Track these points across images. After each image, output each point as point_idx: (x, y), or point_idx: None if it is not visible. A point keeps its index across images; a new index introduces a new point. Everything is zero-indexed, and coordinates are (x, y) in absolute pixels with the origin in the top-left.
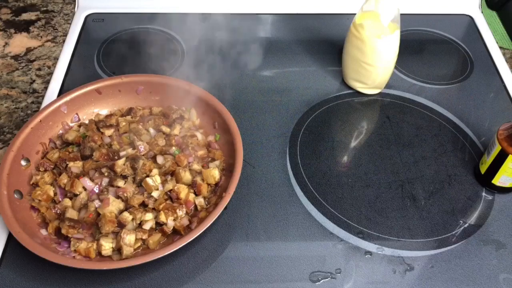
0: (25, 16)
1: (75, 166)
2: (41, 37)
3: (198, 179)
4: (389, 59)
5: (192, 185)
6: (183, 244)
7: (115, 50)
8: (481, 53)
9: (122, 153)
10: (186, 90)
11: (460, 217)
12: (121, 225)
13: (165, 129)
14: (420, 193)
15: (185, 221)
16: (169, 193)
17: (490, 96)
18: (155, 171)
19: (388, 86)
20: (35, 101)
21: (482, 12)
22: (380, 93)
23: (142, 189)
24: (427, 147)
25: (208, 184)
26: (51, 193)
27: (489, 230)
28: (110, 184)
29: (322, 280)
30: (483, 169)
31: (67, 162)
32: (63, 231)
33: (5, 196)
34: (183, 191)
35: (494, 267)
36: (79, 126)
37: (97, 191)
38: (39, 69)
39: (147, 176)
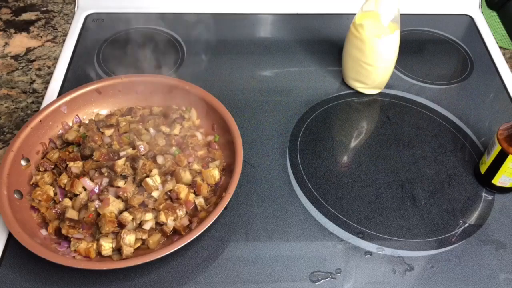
0: (25, 16)
1: (75, 166)
2: (41, 37)
3: (198, 179)
4: (389, 59)
5: (192, 185)
6: (183, 244)
7: (115, 50)
8: (481, 53)
9: (122, 153)
10: (186, 90)
11: (460, 217)
12: (121, 225)
13: (165, 129)
14: (420, 193)
15: (185, 221)
16: (169, 193)
17: (490, 96)
18: (155, 171)
19: (388, 86)
20: (35, 101)
21: (482, 12)
22: (380, 93)
23: (142, 189)
24: (427, 147)
25: (208, 184)
26: (51, 193)
27: (489, 230)
28: (110, 184)
29: (322, 280)
30: (483, 169)
31: (67, 162)
32: (63, 231)
33: (5, 196)
34: (183, 191)
35: (494, 267)
36: (79, 126)
37: (97, 191)
38: (39, 69)
39: (147, 176)
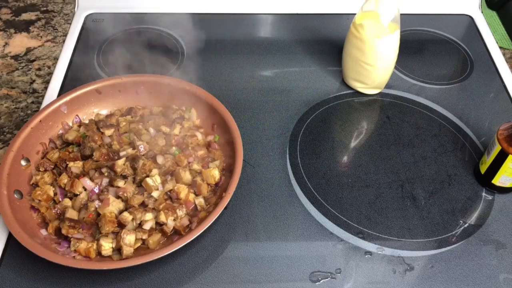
0: (25, 16)
1: (75, 166)
2: (41, 37)
3: (198, 179)
4: (389, 59)
5: (192, 185)
6: (183, 244)
7: (115, 50)
8: (481, 53)
9: (122, 153)
10: (186, 90)
11: (460, 217)
12: (121, 225)
13: (165, 129)
14: (420, 193)
15: (185, 221)
16: (169, 193)
17: (490, 96)
18: (155, 171)
19: (388, 86)
20: (35, 101)
21: (482, 12)
22: (380, 93)
23: (142, 189)
24: (427, 147)
25: (208, 184)
26: (51, 193)
27: (489, 230)
28: (110, 184)
29: (322, 280)
30: (483, 169)
31: (67, 162)
32: (63, 231)
33: (5, 196)
34: (183, 191)
35: (494, 267)
36: (79, 126)
37: (97, 191)
38: (39, 69)
39: (147, 176)
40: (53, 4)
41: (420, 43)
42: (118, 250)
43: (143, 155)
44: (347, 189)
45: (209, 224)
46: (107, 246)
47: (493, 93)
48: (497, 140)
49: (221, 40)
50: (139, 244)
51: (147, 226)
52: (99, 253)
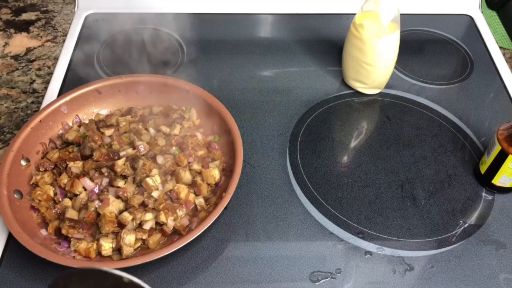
0: (25, 16)
1: (75, 166)
2: (41, 37)
3: (198, 179)
4: (389, 59)
5: (192, 185)
6: (183, 244)
7: (115, 50)
8: (481, 53)
9: (122, 153)
10: (186, 90)
11: (460, 217)
12: (121, 225)
13: (165, 129)
14: (420, 193)
15: (185, 221)
16: (169, 193)
17: (490, 96)
18: (155, 171)
19: (388, 86)
20: (35, 101)
21: (482, 12)
22: (380, 93)
23: (142, 189)
24: (427, 147)
25: (208, 184)
26: (51, 193)
27: (489, 230)
28: (110, 184)
29: (322, 280)
30: (483, 169)
31: (67, 162)
32: (63, 231)
33: (5, 196)
34: (183, 191)
35: (494, 267)
36: (79, 126)
37: (97, 191)
38: (39, 69)
39: (147, 176)
40: (53, 4)
41: (420, 43)
42: (118, 250)
43: (143, 155)
44: (347, 189)
45: (209, 224)
46: (107, 246)
47: (493, 93)
48: (497, 140)
49: (221, 40)
50: (139, 244)
51: (147, 226)
52: (99, 253)
